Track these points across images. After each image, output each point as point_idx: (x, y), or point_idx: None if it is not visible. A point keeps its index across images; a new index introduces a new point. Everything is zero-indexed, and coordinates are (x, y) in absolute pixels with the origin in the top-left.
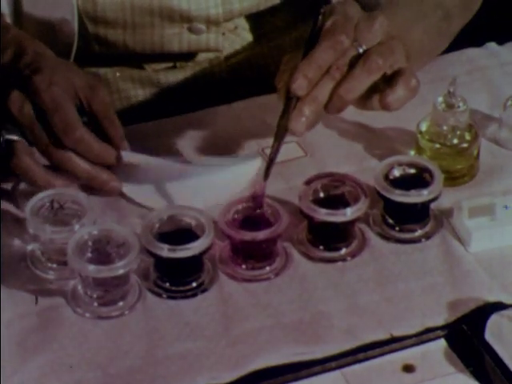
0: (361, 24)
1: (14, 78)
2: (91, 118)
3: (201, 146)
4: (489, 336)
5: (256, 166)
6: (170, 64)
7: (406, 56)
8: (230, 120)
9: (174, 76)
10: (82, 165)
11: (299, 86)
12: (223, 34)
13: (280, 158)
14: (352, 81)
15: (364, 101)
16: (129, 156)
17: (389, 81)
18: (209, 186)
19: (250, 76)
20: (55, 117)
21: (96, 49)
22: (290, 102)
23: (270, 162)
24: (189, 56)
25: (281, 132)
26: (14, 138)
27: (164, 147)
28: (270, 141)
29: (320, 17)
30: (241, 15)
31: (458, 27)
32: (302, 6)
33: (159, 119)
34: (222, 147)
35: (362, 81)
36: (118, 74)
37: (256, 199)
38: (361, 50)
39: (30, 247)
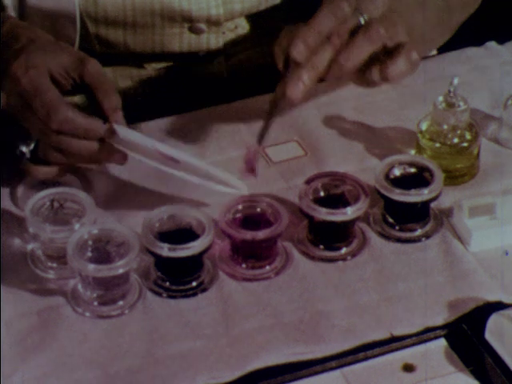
0: None
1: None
2: (88, 93)
3: (201, 146)
4: (489, 335)
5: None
6: (171, 63)
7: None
8: (229, 120)
9: (174, 75)
10: (78, 143)
11: (299, 52)
12: (224, 33)
13: (280, 157)
14: (352, 49)
15: (363, 73)
16: (124, 131)
17: (389, 53)
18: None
19: (251, 75)
20: (36, 101)
21: (96, 48)
22: (289, 67)
23: (266, 127)
24: (189, 56)
25: (278, 98)
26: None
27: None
28: (271, 141)
29: None
30: (241, 15)
31: (458, 22)
32: (302, 5)
33: (159, 118)
34: (222, 147)
35: (363, 49)
36: (117, 74)
37: (248, 163)
38: (362, 20)
39: (30, 246)
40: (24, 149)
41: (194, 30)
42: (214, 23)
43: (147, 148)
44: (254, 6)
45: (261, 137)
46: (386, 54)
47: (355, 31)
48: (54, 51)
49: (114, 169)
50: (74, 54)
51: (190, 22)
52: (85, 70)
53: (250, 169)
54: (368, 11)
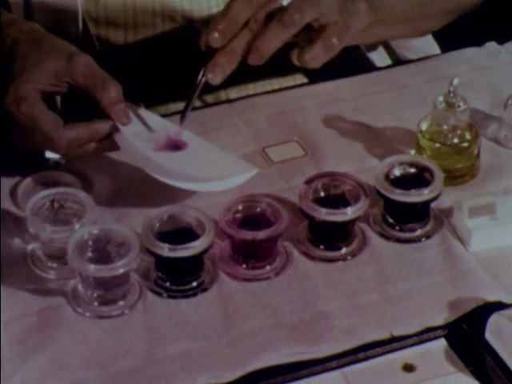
0: None
1: None
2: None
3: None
4: (489, 335)
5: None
6: (171, 64)
7: (362, 10)
8: (230, 119)
9: (176, 76)
10: (91, 146)
11: (212, 38)
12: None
13: (280, 157)
14: (268, 34)
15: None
16: (126, 142)
17: (314, 34)
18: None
19: (251, 74)
20: (36, 136)
21: (97, 49)
22: (210, 50)
23: (186, 107)
24: (190, 56)
25: (200, 80)
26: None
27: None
28: (270, 141)
29: None
30: None
31: (445, 7)
32: None
33: (161, 117)
34: (221, 146)
35: (278, 35)
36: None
37: (170, 142)
38: (285, 3)
39: (30, 247)
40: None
41: (195, 31)
42: None
43: (148, 157)
44: None
45: (182, 116)
46: (312, 35)
47: (276, 13)
48: (40, 61)
49: (114, 169)
50: (61, 56)
51: (190, 22)
52: (75, 71)
53: (174, 147)
54: None
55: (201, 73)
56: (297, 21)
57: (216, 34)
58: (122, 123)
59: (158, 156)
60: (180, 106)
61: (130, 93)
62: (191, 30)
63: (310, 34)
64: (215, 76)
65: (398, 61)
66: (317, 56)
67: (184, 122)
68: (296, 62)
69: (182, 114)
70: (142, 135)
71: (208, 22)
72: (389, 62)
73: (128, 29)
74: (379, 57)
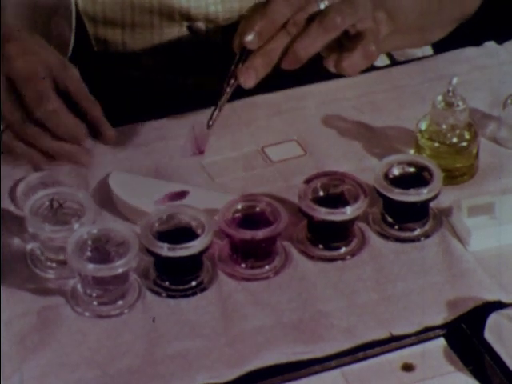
0: None
1: None
2: (65, 98)
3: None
4: (488, 335)
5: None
6: (170, 63)
7: (383, 18)
8: (229, 119)
9: (174, 75)
10: (52, 141)
11: (250, 39)
12: (222, 32)
13: (279, 156)
14: (307, 38)
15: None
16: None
17: (350, 40)
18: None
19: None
20: (28, 86)
21: (95, 48)
22: (243, 52)
23: (215, 109)
24: (189, 55)
25: (231, 81)
26: None
27: (164, 146)
28: (269, 140)
29: None
30: (240, 13)
31: (450, 17)
32: None
33: (159, 118)
34: (221, 146)
35: (318, 39)
36: (116, 73)
37: (196, 143)
38: (322, 6)
39: (29, 246)
40: None
41: (193, 29)
42: (212, 21)
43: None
44: (253, 3)
45: (210, 119)
46: (347, 41)
47: (314, 17)
48: (43, 47)
49: (114, 169)
50: (57, 55)
51: (188, 20)
52: (71, 76)
53: (199, 149)
54: None
55: (230, 75)
56: (338, 24)
57: (252, 35)
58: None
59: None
60: (179, 104)
61: (128, 92)
62: (189, 28)
63: (343, 40)
64: (248, 79)
65: (394, 61)
66: (356, 64)
67: (212, 127)
68: (332, 69)
69: (210, 118)
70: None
71: (206, 19)
72: (387, 62)
73: (126, 28)
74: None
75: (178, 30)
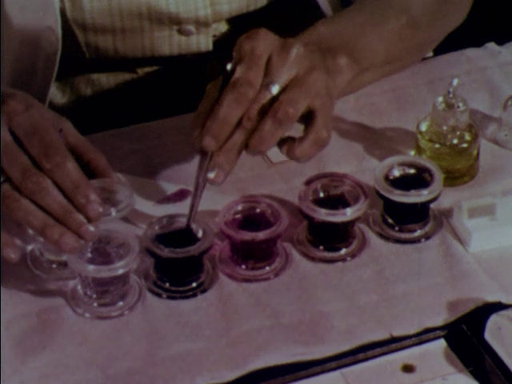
0: (273, 58)
1: None
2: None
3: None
4: (488, 336)
5: None
6: (162, 67)
7: (345, 65)
8: None
9: (166, 79)
10: (57, 196)
11: (208, 144)
12: (213, 35)
13: (280, 158)
14: (263, 133)
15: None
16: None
17: (304, 121)
18: None
19: None
20: (34, 139)
21: (87, 55)
22: (206, 154)
23: (191, 213)
24: (180, 58)
25: (200, 184)
26: None
27: (162, 148)
28: None
29: (228, 67)
30: (230, 16)
31: (428, 37)
32: (292, 7)
33: (153, 121)
34: None
35: (273, 133)
36: (109, 79)
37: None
38: (274, 90)
39: (29, 247)
40: None
41: (183, 32)
42: (202, 24)
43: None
44: (243, 7)
45: (190, 217)
46: (298, 121)
47: (268, 106)
48: (37, 102)
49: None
50: (51, 112)
51: (178, 24)
52: (69, 130)
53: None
54: (279, 78)
55: (198, 175)
56: (291, 115)
57: (209, 140)
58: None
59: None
60: (172, 110)
61: (122, 98)
62: (179, 32)
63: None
64: (217, 177)
65: None
66: (307, 151)
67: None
68: (284, 154)
69: (188, 219)
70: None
71: (196, 23)
72: None
73: (116, 33)
74: None
75: (168, 34)
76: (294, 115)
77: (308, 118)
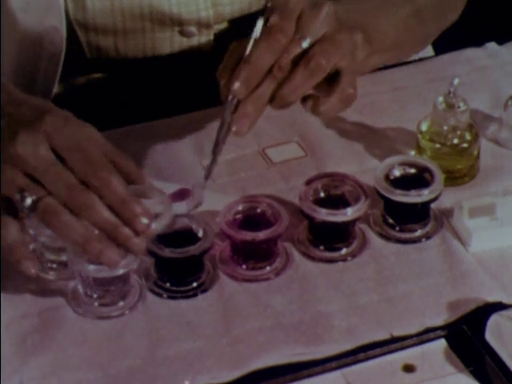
0: (305, 14)
1: (16, 123)
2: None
3: (199, 148)
4: (489, 336)
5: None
6: (163, 67)
7: (360, 43)
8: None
9: (167, 79)
10: (105, 212)
11: (238, 89)
12: (215, 36)
13: (280, 158)
14: (294, 83)
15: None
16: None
17: (328, 80)
18: None
19: None
20: (77, 155)
21: (88, 55)
22: (232, 101)
23: (213, 162)
24: (181, 59)
25: (224, 131)
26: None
27: (162, 148)
28: (270, 141)
29: (260, 21)
30: (232, 17)
31: (430, 29)
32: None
33: (154, 121)
34: (222, 148)
35: (304, 83)
36: (111, 79)
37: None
38: (305, 45)
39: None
40: (28, 201)
41: (185, 34)
42: (204, 26)
43: None
44: (245, 8)
45: (208, 172)
46: (324, 81)
47: (298, 58)
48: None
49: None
50: (82, 122)
51: (180, 25)
52: (93, 137)
53: (198, 201)
54: (310, 34)
55: (221, 125)
56: (324, 67)
57: (239, 85)
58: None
59: None
60: (172, 110)
61: (123, 98)
62: (180, 33)
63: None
64: (242, 128)
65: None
66: (333, 108)
67: (208, 178)
68: (308, 111)
69: (208, 173)
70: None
71: (198, 24)
72: None
73: (118, 34)
74: None
75: (169, 35)
76: (325, 67)
77: (333, 78)
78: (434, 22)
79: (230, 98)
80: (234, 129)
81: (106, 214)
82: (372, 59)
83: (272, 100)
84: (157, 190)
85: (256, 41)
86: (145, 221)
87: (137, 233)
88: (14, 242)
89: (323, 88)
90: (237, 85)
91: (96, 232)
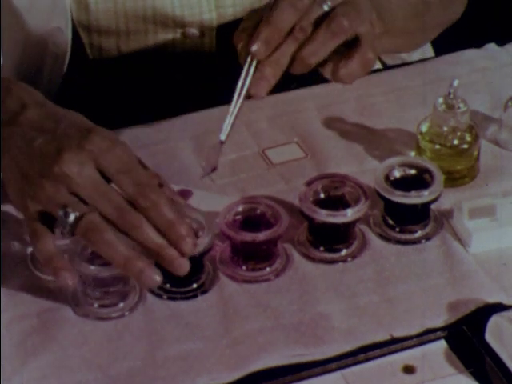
0: None
1: (59, 140)
2: None
3: (200, 148)
4: (489, 337)
5: None
6: (165, 69)
7: (375, 19)
8: None
9: (169, 81)
10: (152, 233)
11: (258, 50)
12: (217, 38)
13: (280, 158)
14: (315, 44)
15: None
16: None
17: (347, 46)
18: None
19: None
20: (125, 177)
21: (90, 57)
22: (251, 63)
23: (228, 124)
24: (183, 60)
25: (241, 93)
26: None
27: (164, 149)
28: (270, 142)
29: None
30: (234, 19)
31: (438, 21)
32: None
33: (156, 121)
34: (222, 149)
35: (326, 44)
36: (112, 79)
37: (209, 160)
38: (326, 8)
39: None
40: (71, 217)
41: (187, 36)
42: (207, 28)
43: None
44: (247, 10)
45: (227, 131)
46: (343, 47)
47: (319, 21)
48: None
49: None
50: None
51: (182, 27)
52: (122, 151)
53: (212, 166)
54: None
55: (240, 87)
56: (346, 28)
57: (260, 45)
58: None
59: None
60: (174, 111)
61: (124, 100)
62: (183, 35)
63: (340, 45)
64: (260, 90)
65: (386, 66)
66: (353, 72)
67: (224, 144)
68: (328, 77)
69: (224, 133)
70: None
71: (201, 26)
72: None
73: (120, 36)
74: None
75: (172, 37)
76: (347, 29)
77: (352, 44)
78: (440, 10)
79: (248, 59)
80: (252, 91)
81: (154, 235)
82: (383, 40)
83: (292, 63)
84: (194, 209)
85: (276, 1)
86: (190, 242)
87: (182, 254)
88: (52, 253)
89: (343, 53)
90: (257, 45)
91: (136, 251)
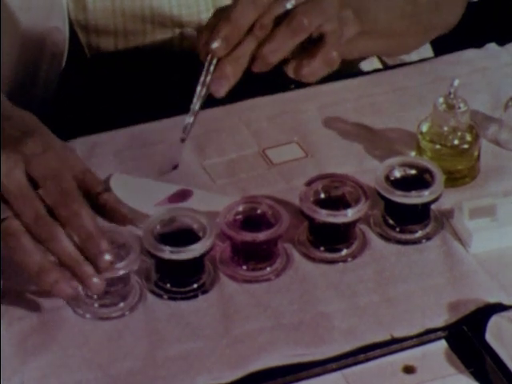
0: None
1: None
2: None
3: (200, 147)
4: (489, 337)
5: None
6: (163, 69)
7: (350, 18)
8: (229, 121)
9: (167, 80)
10: (68, 246)
11: (218, 48)
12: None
13: (280, 158)
14: (275, 42)
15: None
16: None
17: (312, 44)
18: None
19: (244, 77)
20: (51, 184)
21: (88, 56)
22: (211, 61)
23: (188, 124)
24: (181, 59)
25: (202, 92)
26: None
27: (162, 148)
28: (270, 142)
29: None
30: None
31: (427, 22)
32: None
33: (156, 121)
34: (222, 148)
35: (286, 42)
36: (110, 79)
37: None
38: (289, 6)
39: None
40: None
41: (185, 35)
42: None
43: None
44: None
45: (186, 133)
46: (307, 44)
47: (281, 19)
48: (62, 144)
49: (115, 171)
50: (76, 154)
51: (180, 27)
52: (89, 177)
53: (173, 164)
54: None
55: (200, 86)
56: (306, 26)
57: (219, 42)
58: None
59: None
60: (172, 110)
61: (122, 100)
62: (181, 35)
63: (304, 43)
64: (220, 88)
65: (386, 66)
66: (316, 71)
67: (185, 141)
68: (291, 76)
69: (184, 132)
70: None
71: (199, 26)
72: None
73: (118, 36)
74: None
75: (170, 36)
76: (307, 27)
77: (316, 42)
78: (431, 14)
79: (209, 57)
80: (212, 89)
81: (70, 248)
82: (362, 41)
83: (253, 61)
84: (127, 231)
85: None
86: (108, 258)
87: (98, 270)
88: (43, 265)
89: (306, 51)
90: (216, 42)
91: (52, 262)
